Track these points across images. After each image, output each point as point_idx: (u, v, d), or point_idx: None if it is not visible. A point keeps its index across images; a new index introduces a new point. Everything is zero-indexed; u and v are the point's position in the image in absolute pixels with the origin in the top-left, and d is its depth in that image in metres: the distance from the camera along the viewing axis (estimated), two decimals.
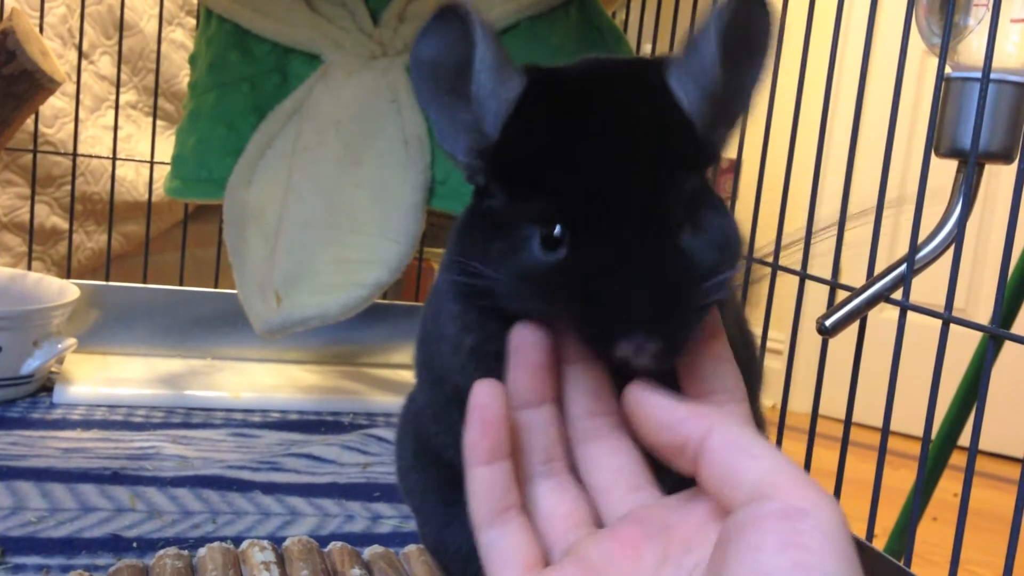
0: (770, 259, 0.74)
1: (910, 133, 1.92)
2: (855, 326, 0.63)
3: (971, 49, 0.63)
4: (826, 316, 0.62)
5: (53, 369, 0.90)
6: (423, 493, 0.44)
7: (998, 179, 1.86)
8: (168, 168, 0.96)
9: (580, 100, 0.33)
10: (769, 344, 0.70)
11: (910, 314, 0.60)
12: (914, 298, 0.61)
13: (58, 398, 0.84)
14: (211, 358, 0.99)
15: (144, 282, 1.01)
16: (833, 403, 0.81)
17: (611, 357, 0.31)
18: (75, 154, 1.07)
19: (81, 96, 1.14)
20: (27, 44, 0.87)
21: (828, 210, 0.68)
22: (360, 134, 0.87)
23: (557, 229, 0.32)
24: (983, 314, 1.97)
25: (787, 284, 0.75)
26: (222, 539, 0.60)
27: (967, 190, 0.60)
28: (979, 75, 0.58)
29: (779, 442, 0.73)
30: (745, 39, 0.34)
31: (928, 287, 0.74)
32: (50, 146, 1.21)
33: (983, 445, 0.56)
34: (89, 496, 0.65)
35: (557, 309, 0.32)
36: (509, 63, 0.35)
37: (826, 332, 0.62)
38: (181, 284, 1.04)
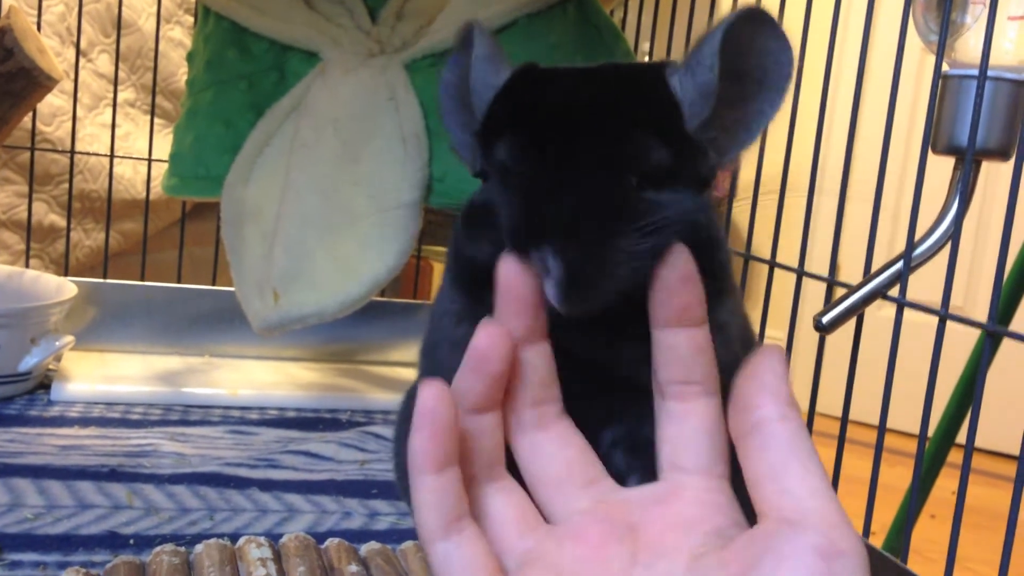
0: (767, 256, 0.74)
1: (907, 130, 1.92)
2: (852, 323, 0.63)
3: (968, 46, 0.63)
4: (823, 313, 0.63)
5: (51, 366, 0.90)
6: None
7: (995, 176, 1.86)
8: (166, 166, 0.96)
9: (553, 75, 0.33)
10: (766, 341, 0.70)
11: (907, 311, 0.60)
12: (911, 295, 0.61)
13: (56, 395, 0.84)
14: (209, 355, 0.99)
15: (142, 280, 1.01)
16: (830, 400, 0.81)
17: (527, 262, 0.30)
18: (73, 152, 1.07)
19: (79, 94, 1.14)
20: (25, 42, 0.87)
21: (827, 207, 0.68)
22: (358, 132, 0.87)
23: (504, 151, 0.32)
24: (980, 311, 1.97)
25: (784, 281, 0.75)
26: (219, 536, 0.60)
27: (964, 187, 0.60)
28: (976, 72, 0.58)
29: None
30: (755, 66, 0.33)
31: (925, 284, 0.74)
32: (48, 144, 1.21)
33: (980, 442, 0.56)
34: (86, 493, 0.65)
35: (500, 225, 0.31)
36: (503, 57, 0.35)
37: (823, 329, 0.62)
38: (179, 282, 1.04)
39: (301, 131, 0.88)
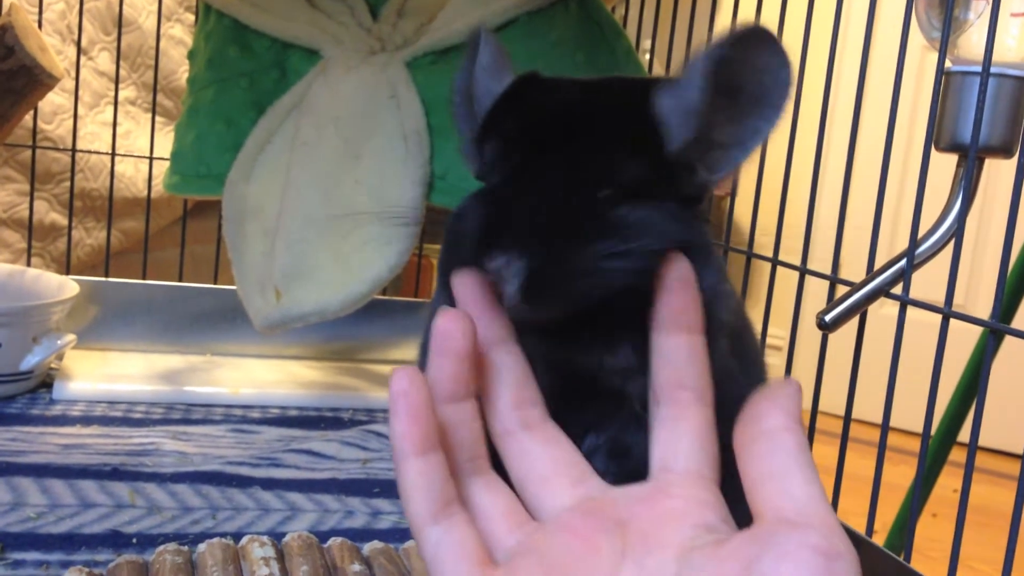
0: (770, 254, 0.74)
1: (910, 127, 1.92)
2: (855, 321, 0.63)
3: (971, 43, 0.63)
4: (826, 311, 0.62)
5: (52, 365, 0.90)
6: None
7: (998, 173, 1.86)
8: (167, 164, 0.96)
9: (548, 85, 0.34)
10: (769, 340, 0.69)
11: (910, 309, 0.60)
12: (914, 293, 0.61)
13: (57, 394, 0.84)
14: (210, 354, 0.99)
15: (143, 278, 1.01)
16: (833, 399, 0.81)
17: (484, 270, 0.31)
18: (74, 150, 1.07)
19: (80, 92, 1.14)
20: (26, 40, 0.87)
21: (828, 204, 0.68)
22: (359, 129, 0.87)
23: (488, 156, 0.33)
24: (983, 309, 1.97)
25: (787, 279, 0.75)
26: (222, 535, 0.60)
27: (967, 184, 0.60)
28: (979, 69, 0.57)
29: None
30: (752, 82, 0.33)
31: (928, 282, 0.74)
32: (49, 142, 1.21)
33: (983, 441, 0.56)
34: (89, 492, 0.65)
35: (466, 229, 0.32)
36: (507, 65, 0.36)
37: (826, 327, 0.62)
38: (180, 280, 1.04)
39: (302, 129, 0.88)
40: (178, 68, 1.42)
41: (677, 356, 0.32)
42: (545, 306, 0.31)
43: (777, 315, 0.75)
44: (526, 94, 0.34)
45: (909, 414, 1.12)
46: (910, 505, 0.61)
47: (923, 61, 1.94)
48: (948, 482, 1.00)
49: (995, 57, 0.57)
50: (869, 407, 1.02)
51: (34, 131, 1.10)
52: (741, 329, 0.38)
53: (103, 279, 0.97)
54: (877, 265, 0.64)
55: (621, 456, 0.34)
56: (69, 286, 0.89)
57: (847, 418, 0.64)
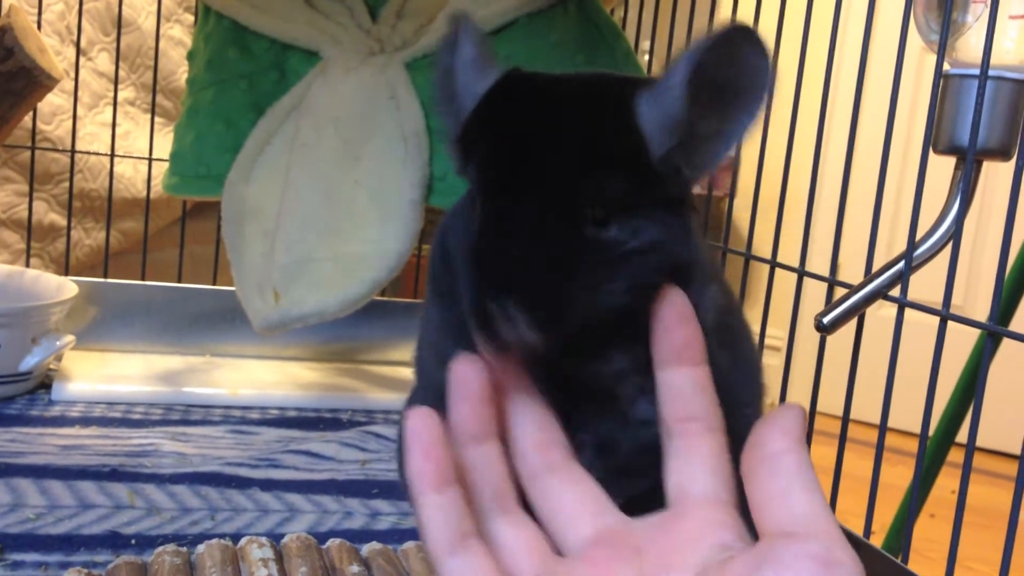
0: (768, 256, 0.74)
1: (908, 130, 1.92)
2: (853, 323, 0.64)
3: (969, 46, 0.63)
4: (824, 313, 0.63)
5: (51, 366, 0.90)
6: None
7: (996, 176, 1.86)
8: (166, 165, 0.96)
9: (528, 91, 0.34)
10: (767, 341, 0.70)
11: (908, 311, 0.61)
12: (912, 295, 0.61)
13: (56, 395, 0.84)
14: (210, 355, 0.99)
15: (142, 279, 1.01)
16: (831, 400, 0.82)
17: (484, 328, 0.31)
18: (73, 151, 1.07)
19: (79, 93, 1.14)
20: (25, 41, 0.87)
21: (826, 206, 0.68)
22: (358, 130, 0.87)
23: (471, 170, 0.33)
24: (981, 311, 1.97)
25: (785, 281, 0.75)
26: (221, 536, 0.60)
27: (965, 187, 0.60)
28: (977, 72, 0.58)
29: None
30: (733, 77, 0.32)
31: (926, 284, 0.74)
32: (48, 143, 1.21)
33: (981, 442, 0.56)
34: (88, 493, 0.65)
35: (459, 276, 0.33)
36: (490, 61, 0.36)
37: (824, 329, 0.62)
38: (179, 281, 1.04)
39: (302, 130, 0.88)
40: (177, 69, 1.42)
41: (683, 390, 0.33)
42: (547, 343, 0.31)
43: (776, 317, 0.75)
44: (506, 102, 0.34)
45: (907, 415, 1.12)
46: (908, 506, 0.61)
47: (921, 63, 1.94)
48: (946, 483, 1.00)
49: (993, 60, 0.57)
50: (867, 408, 1.02)
51: (33, 132, 1.10)
52: (729, 323, 0.38)
53: (102, 280, 0.97)
54: (875, 267, 0.64)
55: (608, 453, 0.35)
56: (68, 287, 0.89)
57: (845, 419, 0.65)
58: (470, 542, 0.31)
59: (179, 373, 0.93)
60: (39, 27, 1.02)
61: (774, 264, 0.73)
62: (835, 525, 0.28)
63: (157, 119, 1.19)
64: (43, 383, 0.87)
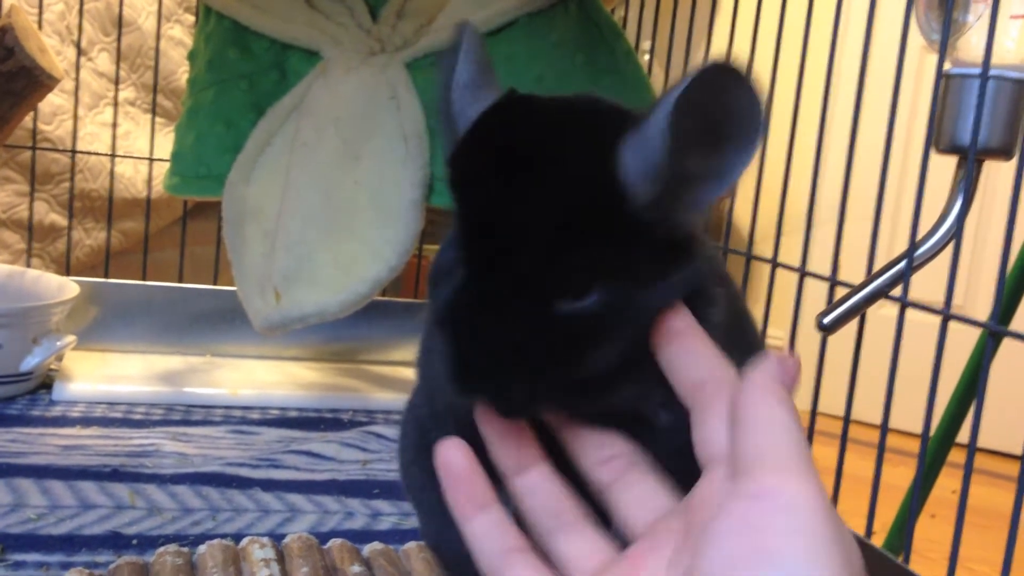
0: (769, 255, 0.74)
1: (909, 129, 1.92)
2: (854, 323, 0.64)
3: (970, 45, 0.63)
4: (825, 313, 0.63)
5: (52, 366, 0.90)
6: (422, 490, 0.44)
7: (997, 175, 1.86)
8: (167, 165, 0.96)
9: (508, 141, 0.32)
10: (768, 341, 0.70)
11: (909, 311, 0.61)
12: (913, 295, 0.61)
13: (57, 395, 0.84)
14: (210, 355, 0.99)
15: (143, 279, 1.01)
16: (832, 400, 0.81)
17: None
18: (74, 151, 1.07)
19: (80, 93, 1.14)
20: (26, 41, 0.87)
21: (827, 206, 0.68)
22: (359, 131, 0.87)
23: (454, 210, 0.33)
24: (982, 310, 1.97)
25: (786, 281, 0.75)
26: (222, 536, 0.60)
27: (966, 186, 0.60)
28: (978, 71, 0.58)
29: None
30: (723, 117, 0.31)
31: (927, 284, 0.74)
32: (49, 143, 1.21)
33: (982, 442, 0.56)
34: (89, 493, 0.65)
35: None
36: (489, 82, 0.35)
37: (825, 329, 0.62)
38: (180, 281, 1.04)
39: (302, 130, 0.88)
40: (178, 69, 1.42)
41: (683, 360, 0.33)
42: (532, 416, 0.33)
43: (776, 316, 0.75)
44: (483, 154, 0.32)
45: (908, 415, 1.12)
46: (909, 506, 0.61)
47: (922, 63, 1.93)
48: (947, 483, 1.00)
49: (994, 59, 0.57)
50: (868, 408, 1.02)
51: (34, 132, 1.10)
52: (737, 323, 0.37)
53: (103, 280, 0.97)
54: (876, 267, 0.64)
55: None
56: (69, 287, 0.89)
57: (846, 419, 0.64)
58: (525, 554, 0.32)
59: (180, 373, 0.93)
60: (39, 27, 1.02)
61: (775, 264, 0.73)
62: (784, 453, 0.28)
63: (157, 119, 1.18)
64: (44, 383, 0.87)
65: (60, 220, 1.26)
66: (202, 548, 0.57)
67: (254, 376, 0.94)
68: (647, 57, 1.41)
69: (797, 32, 0.71)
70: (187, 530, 0.61)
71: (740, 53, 0.76)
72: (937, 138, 0.63)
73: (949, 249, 0.61)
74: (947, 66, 0.63)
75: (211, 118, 0.92)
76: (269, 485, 0.70)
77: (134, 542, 0.59)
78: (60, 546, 0.58)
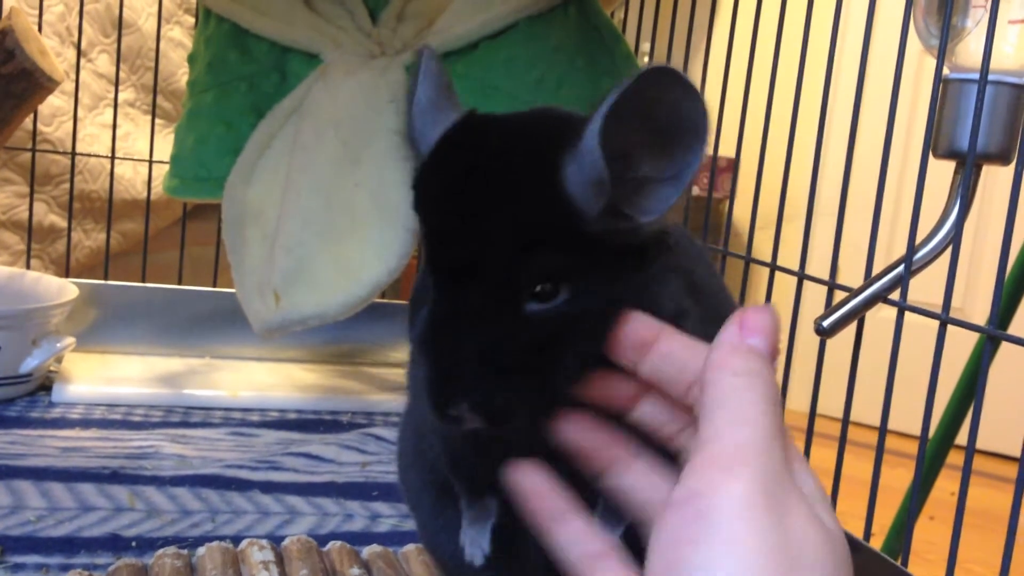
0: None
1: (908, 134, 1.92)
2: (853, 326, 0.64)
3: (969, 50, 0.63)
4: (824, 316, 0.63)
5: (52, 368, 0.90)
6: (419, 493, 0.45)
7: (995, 180, 1.86)
8: (167, 167, 0.96)
9: (463, 163, 0.33)
10: None
11: (908, 314, 0.61)
12: (911, 298, 0.61)
13: (57, 397, 0.84)
14: (210, 357, 0.99)
15: (143, 281, 1.01)
16: (831, 402, 0.82)
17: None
18: (73, 152, 1.07)
19: (79, 94, 1.14)
20: (26, 43, 0.87)
21: (826, 210, 0.68)
22: (359, 133, 0.87)
23: (420, 232, 0.34)
24: (980, 314, 1.97)
25: (785, 284, 0.75)
26: (221, 538, 0.60)
27: (965, 191, 0.60)
28: (977, 76, 0.58)
29: None
30: (667, 120, 0.31)
31: (925, 287, 0.75)
32: (48, 144, 1.21)
33: (980, 444, 0.56)
34: (88, 495, 0.65)
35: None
36: (450, 102, 0.36)
37: (824, 332, 0.62)
38: (180, 283, 1.04)
39: (302, 132, 0.88)
40: (177, 70, 1.42)
41: (658, 363, 0.34)
42: (516, 425, 0.33)
43: None
44: (440, 176, 0.34)
45: (907, 417, 1.12)
46: (908, 508, 0.61)
47: (921, 68, 1.94)
48: (946, 485, 1.00)
49: (993, 64, 0.57)
50: (867, 410, 1.02)
51: (34, 133, 1.10)
52: (696, 283, 0.38)
53: (103, 282, 0.97)
54: (875, 271, 0.64)
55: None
56: (69, 289, 0.89)
57: (845, 421, 0.65)
58: (600, 562, 0.32)
59: (179, 375, 0.93)
60: (39, 29, 1.02)
61: (774, 267, 0.73)
62: (719, 447, 0.28)
63: (157, 121, 1.19)
64: (43, 385, 0.87)
65: (60, 221, 1.26)
66: (201, 550, 0.57)
67: (253, 378, 0.94)
68: (647, 59, 1.41)
69: (796, 35, 0.71)
70: (186, 532, 0.62)
71: (739, 53, 0.76)
72: (936, 143, 0.63)
73: (948, 253, 0.61)
74: (946, 71, 0.63)
75: (211, 120, 0.92)
76: (268, 487, 0.70)
77: (133, 544, 0.59)
78: (59, 548, 0.58)
